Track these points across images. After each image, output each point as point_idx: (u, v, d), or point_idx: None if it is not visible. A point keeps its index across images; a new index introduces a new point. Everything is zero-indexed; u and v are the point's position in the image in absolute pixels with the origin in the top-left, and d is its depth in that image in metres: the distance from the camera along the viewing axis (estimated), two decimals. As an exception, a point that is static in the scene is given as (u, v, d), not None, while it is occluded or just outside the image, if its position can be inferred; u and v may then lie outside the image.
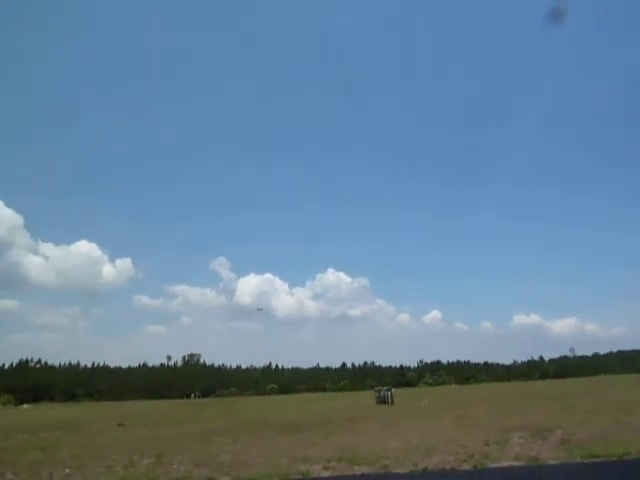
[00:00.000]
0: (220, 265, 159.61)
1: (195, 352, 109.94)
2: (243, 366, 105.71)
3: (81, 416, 32.38)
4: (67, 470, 10.54)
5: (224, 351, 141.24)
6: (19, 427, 24.04)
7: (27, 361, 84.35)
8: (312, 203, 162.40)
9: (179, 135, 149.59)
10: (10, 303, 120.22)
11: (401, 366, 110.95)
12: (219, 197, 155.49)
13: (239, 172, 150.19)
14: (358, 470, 8.85)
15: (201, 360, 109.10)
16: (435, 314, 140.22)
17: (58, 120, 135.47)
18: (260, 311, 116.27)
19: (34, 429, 22.80)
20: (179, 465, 10.41)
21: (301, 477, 8.44)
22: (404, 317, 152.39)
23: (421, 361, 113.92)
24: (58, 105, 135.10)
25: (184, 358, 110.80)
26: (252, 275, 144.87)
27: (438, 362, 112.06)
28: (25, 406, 58.14)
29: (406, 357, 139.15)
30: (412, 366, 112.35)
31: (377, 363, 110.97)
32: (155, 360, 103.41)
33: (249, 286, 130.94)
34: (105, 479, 8.98)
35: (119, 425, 22.51)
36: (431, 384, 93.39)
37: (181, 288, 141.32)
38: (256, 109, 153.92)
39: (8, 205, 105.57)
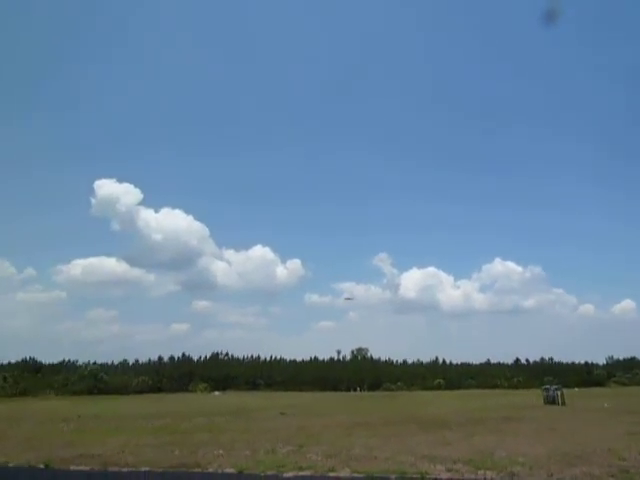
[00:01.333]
0: (382, 261, 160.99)
1: (363, 346, 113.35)
2: (409, 360, 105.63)
3: (255, 404, 35.82)
4: (220, 451, 11.84)
5: (390, 345, 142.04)
6: (202, 411, 27.63)
7: (217, 354, 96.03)
8: (469, 192, 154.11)
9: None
10: (204, 304, 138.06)
11: (586, 363, 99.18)
12: (375, 189, 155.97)
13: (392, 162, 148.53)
14: (481, 475, 8.29)
15: (368, 354, 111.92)
16: (627, 303, 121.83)
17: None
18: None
19: (213, 413, 26.00)
20: (313, 454, 10.93)
21: (419, 476, 8.22)
22: (588, 308, 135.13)
23: (611, 357, 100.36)
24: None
25: (352, 352, 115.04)
26: (414, 269, 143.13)
27: (633, 359, 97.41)
28: (216, 393, 66.42)
29: (592, 353, 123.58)
30: (600, 363, 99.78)
31: (556, 359, 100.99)
32: (326, 354, 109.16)
33: (412, 280, 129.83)
34: (242, 462, 9.87)
35: (281, 414, 24.39)
36: (625, 384, 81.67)
37: (347, 285, 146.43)
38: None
39: (196, 219, 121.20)
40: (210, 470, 9.42)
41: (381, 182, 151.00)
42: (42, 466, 10.04)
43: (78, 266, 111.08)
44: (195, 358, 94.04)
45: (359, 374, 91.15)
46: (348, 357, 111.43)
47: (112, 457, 11.06)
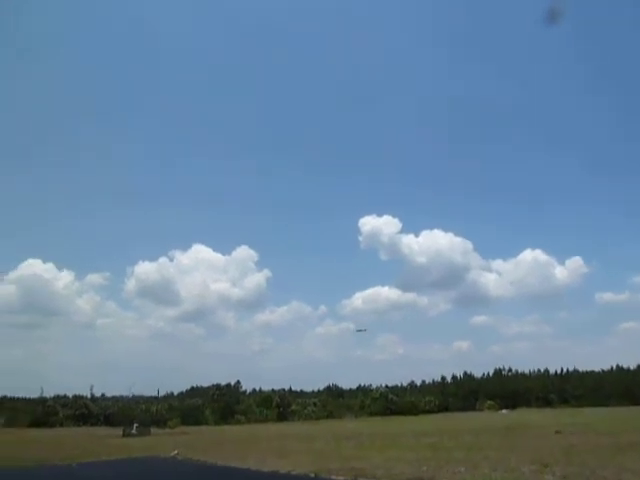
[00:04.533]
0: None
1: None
2: None
3: (535, 421, 33.73)
4: (462, 469, 12.38)
5: None
6: (473, 429, 27.76)
7: (500, 370, 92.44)
8: None
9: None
10: (482, 318, 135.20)
11: None
12: None
13: None
14: None
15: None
16: None
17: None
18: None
19: (487, 431, 25.95)
20: (550, 475, 10.57)
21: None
22: None
23: None
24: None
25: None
26: None
27: None
28: (504, 411, 63.89)
29: None
30: None
31: None
32: (633, 361, 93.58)
33: None
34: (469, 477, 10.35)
35: (556, 432, 22.68)
36: None
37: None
38: None
39: (457, 235, 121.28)
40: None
41: None
42: (312, 475, 12.52)
43: (359, 298, 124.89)
44: (478, 375, 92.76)
45: (683, 383, 74.90)
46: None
47: (367, 470, 12.85)
